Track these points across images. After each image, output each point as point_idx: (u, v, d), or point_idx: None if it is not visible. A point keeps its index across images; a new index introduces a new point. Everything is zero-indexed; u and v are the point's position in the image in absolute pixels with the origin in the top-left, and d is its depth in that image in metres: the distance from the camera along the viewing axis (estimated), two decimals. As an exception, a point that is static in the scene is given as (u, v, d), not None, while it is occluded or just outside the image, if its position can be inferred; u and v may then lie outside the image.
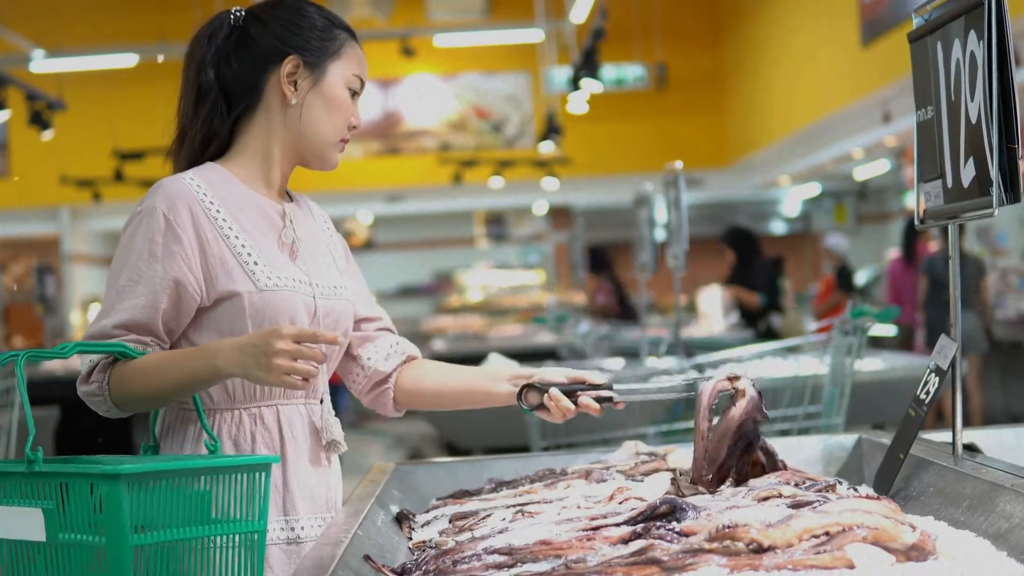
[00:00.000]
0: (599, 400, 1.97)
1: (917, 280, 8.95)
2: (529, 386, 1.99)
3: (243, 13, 2.03)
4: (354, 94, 2.04)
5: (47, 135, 9.07)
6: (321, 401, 2.03)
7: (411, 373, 2.16)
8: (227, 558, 1.57)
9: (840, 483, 1.81)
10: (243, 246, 1.94)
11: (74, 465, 1.51)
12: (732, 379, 1.89)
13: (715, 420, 1.89)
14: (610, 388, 1.97)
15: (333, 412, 2.04)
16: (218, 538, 1.56)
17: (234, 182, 1.99)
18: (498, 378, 2.08)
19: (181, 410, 1.95)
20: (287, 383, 1.75)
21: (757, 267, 8.15)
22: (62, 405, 5.61)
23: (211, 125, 2.01)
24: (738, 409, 1.87)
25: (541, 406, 2.00)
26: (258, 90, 2.00)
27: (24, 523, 1.49)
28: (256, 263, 1.94)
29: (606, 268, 11.01)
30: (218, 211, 1.93)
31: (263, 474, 1.61)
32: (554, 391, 1.97)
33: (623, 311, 11.02)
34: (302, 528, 1.97)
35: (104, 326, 1.87)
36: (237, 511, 1.58)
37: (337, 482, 2.07)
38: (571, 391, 1.97)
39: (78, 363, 1.90)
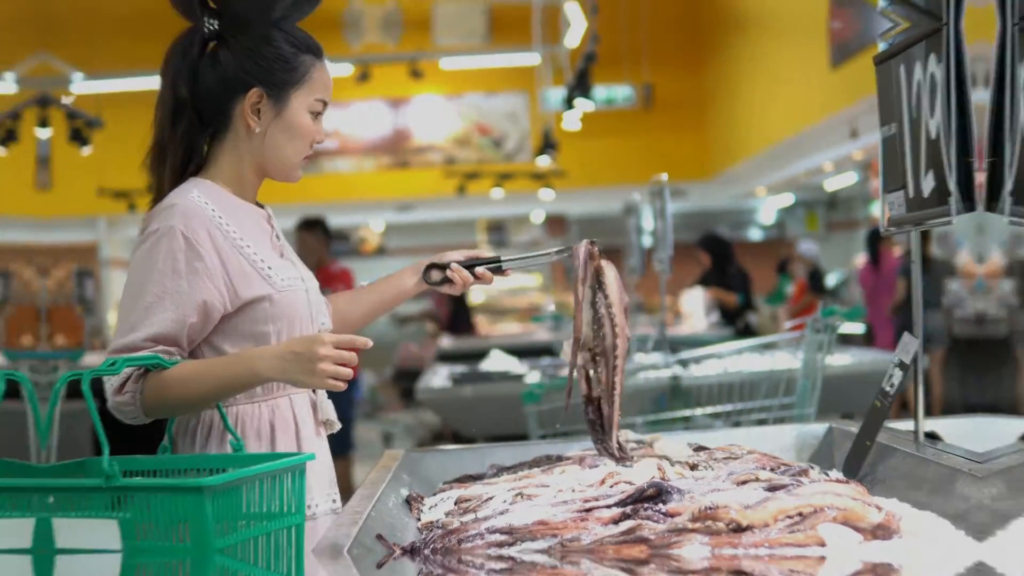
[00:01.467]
0: (492, 271, 2.12)
1: (885, 283, 8.94)
2: (432, 265, 2.13)
3: (216, 27, 1.95)
4: (317, 115, 1.99)
5: (86, 151, 9.07)
6: None
7: (334, 315, 2.17)
8: (278, 552, 1.52)
9: (812, 468, 1.81)
10: (255, 254, 1.93)
11: (154, 479, 1.48)
12: (592, 244, 1.99)
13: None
14: (499, 260, 2.12)
15: (327, 394, 2.05)
16: (272, 533, 1.51)
17: (226, 195, 1.97)
18: (403, 276, 2.17)
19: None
20: (330, 386, 1.77)
21: (731, 271, 8.22)
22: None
23: (189, 142, 1.96)
24: (608, 266, 1.97)
25: (443, 281, 2.11)
26: (226, 116, 1.96)
27: (99, 535, 1.42)
28: (270, 268, 1.94)
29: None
30: (227, 224, 1.91)
31: (303, 469, 1.57)
32: (455, 265, 2.10)
33: (454, 321, 9.73)
34: (317, 506, 1.98)
35: (134, 339, 1.84)
36: (284, 506, 1.53)
37: (329, 458, 2.08)
38: (469, 265, 2.11)
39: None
